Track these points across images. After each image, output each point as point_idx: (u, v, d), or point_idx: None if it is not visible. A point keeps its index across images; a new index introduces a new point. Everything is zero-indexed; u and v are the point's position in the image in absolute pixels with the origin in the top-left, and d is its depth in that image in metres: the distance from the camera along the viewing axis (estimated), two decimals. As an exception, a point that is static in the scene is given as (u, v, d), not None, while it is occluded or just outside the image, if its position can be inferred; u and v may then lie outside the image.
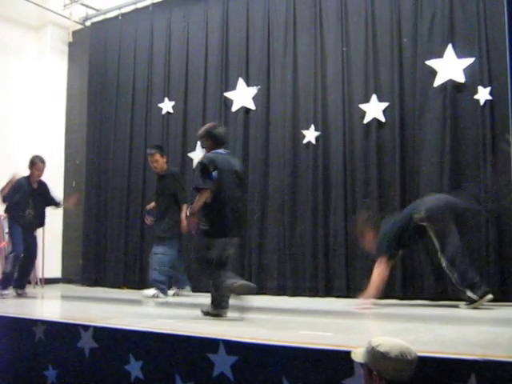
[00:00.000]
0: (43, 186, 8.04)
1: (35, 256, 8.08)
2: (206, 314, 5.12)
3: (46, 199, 7.99)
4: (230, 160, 5.53)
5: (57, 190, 10.11)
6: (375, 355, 2.74)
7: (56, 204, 8.15)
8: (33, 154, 8.20)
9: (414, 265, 6.80)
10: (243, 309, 4.92)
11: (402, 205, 6.88)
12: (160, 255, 7.39)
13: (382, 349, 2.73)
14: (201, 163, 5.31)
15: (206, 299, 5.51)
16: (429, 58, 6.91)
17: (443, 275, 6.21)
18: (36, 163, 7.91)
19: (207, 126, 5.69)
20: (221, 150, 5.47)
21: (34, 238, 7.99)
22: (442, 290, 6.53)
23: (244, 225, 5.60)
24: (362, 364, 2.87)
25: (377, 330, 4.43)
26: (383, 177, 7.12)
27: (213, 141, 5.47)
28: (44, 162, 7.99)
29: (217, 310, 5.07)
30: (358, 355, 2.89)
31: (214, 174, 5.19)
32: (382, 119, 7.15)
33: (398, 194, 6.95)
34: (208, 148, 5.50)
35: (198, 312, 5.14)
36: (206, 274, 5.41)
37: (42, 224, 8.09)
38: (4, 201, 7.78)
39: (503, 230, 6.26)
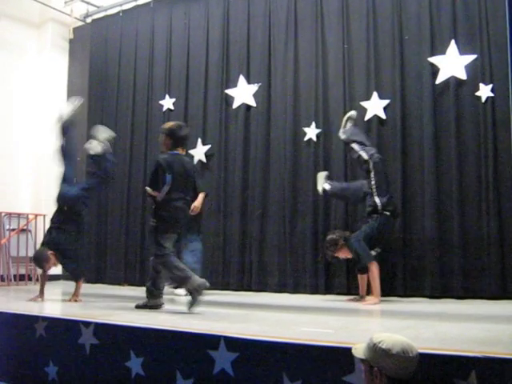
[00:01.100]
0: None
1: None
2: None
3: None
4: (184, 162, 5.70)
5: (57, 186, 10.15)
6: (377, 352, 2.74)
7: None
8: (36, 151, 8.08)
9: (414, 262, 6.80)
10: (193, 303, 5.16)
11: (403, 201, 6.89)
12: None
13: (383, 345, 2.73)
14: (157, 164, 5.54)
15: (211, 297, 5.54)
16: (431, 55, 6.90)
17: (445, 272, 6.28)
18: None
19: (172, 124, 5.83)
20: (177, 151, 5.64)
21: None
22: (442, 287, 6.55)
23: (184, 222, 5.77)
24: (362, 360, 2.86)
25: (378, 326, 4.43)
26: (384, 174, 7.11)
27: (173, 141, 5.63)
28: None
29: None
30: (359, 351, 2.88)
31: (168, 177, 5.43)
32: (383, 116, 7.15)
33: (400, 190, 6.95)
34: (166, 146, 5.64)
35: (199, 309, 5.14)
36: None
37: None
38: None
39: (504, 227, 6.26)
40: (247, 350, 3.54)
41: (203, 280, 5.27)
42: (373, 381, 2.80)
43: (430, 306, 5.97)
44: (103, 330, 4.35)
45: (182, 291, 7.08)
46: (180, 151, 5.73)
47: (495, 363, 2.88)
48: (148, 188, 5.62)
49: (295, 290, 7.47)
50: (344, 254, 6.44)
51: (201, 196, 7.07)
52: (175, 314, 5.24)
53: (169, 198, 5.48)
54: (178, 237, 5.74)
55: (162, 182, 5.47)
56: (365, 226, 6.38)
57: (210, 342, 3.68)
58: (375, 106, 7.20)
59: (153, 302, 5.57)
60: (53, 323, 4.75)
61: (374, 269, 6.10)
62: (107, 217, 9.60)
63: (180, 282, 5.45)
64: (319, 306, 6.14)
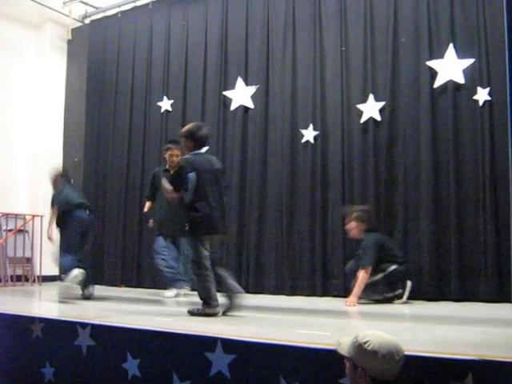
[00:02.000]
0: None
1: None
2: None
3: None
4: (210, 159, 5.49)
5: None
6: (363, 352, 2.68)
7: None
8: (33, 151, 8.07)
9: (411, 265, 6.80)
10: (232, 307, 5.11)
11: (398, 204, 6.90)
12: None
13: (369, 347, 2.66)
14: (179, 167, 5.36)
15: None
16: (429, 59, 6.92)
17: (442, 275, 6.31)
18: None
19: (191, 126, 5.57)
20: (200, 151, 5.41)
21: None
22: (439, 290, 6.56)
23: (224, 221, 5.47)
24: (346, 357, 2.81)
25: (375, 329, 4.41)
26: (381, 176, 7.13)
27: (194, 143, 5.40)
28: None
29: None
30: (344, 347, 2.82)
31: (192, 174, 5.18)
32: (378, 118, 7.15)
33: (396, 193, 6.97)
34: (188, 149, 5.44)
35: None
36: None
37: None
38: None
39: (501, 231, 6.26)
40: (244, 352, 3.54)
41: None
42: (356, 380, 2.75)
43: (427, 309, 5.98)
44: (100, 332, 4.34)
45: (171, 293, 7.11)
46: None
47: (491, 366, 2.88)
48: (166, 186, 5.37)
49: (292, 291, 7.48)
50: (355, 232, 6.56)
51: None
52: (172, 315, 5.24)
53: (197, 197, 5.22)
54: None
55: (185, 183, 5.22)
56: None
57: (206, 343, 3.68)
58: (371, 109, 7.20)
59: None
60: (49, 324, 4.74)
61: (365, 276, 6.17)
62: (104, 218, 9.58)
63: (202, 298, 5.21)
64: (316, 308, 6.15)
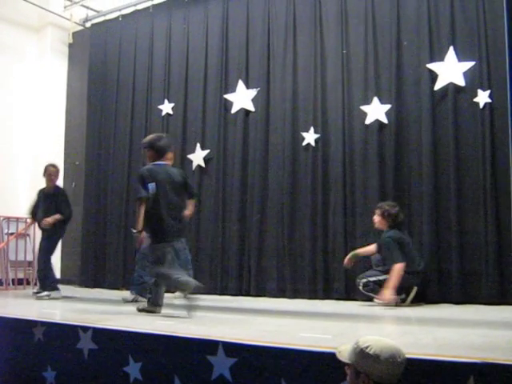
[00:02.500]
0: (56, 191, 7.89)
1: (39, 258, 7.90)
2: (141, 310, 5.55)
3: (57, 205, 7.76)
4: (170, 171, 5.80)
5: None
6: (364, 357, 2.66)
7: (60, 212, 7.69)
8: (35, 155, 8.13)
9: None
10: (191, 307, 5.20)
11: (401, 207, 6.90)
12: None
13: (371, 351, 2.65)
14: (138, 175, 5.69)
15: (206, 302, 5.53)
16: (430, 61, 6.92)
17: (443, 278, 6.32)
18: (47, 168, 7.97)
19: (151, 137, 5.93)
20: (161, 162, 5.73)
21: (43, 240, 7.85)
22: (441, 292, 6.57)
23: (183, 227, 5.92)
24: (347, 364, 2.78)
25: (376, 332, 4.42)
26: (382, 179, 7.13)
27: (155, 152, 5.73)
28: (55, 166, 8.05)
29: (153, 306, 5.51)
30: (344, 354, 2.80)
31: (151, 185, 5.49)
32: (385, 121, 7.14)
33: (397, 195, 6.96)
34: (150, 158, 5.77)
35: (198, 313, 5.15)
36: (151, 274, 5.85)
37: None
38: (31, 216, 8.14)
39: (502, 233, 6.26)
40: (246, 355, 3.54)
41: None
42: None
43: (429, 312, 5.97)
44: (101, 335, 4.34)
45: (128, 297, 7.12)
46: (169, 161, 5.96)
47: (493, 369, 2.87)
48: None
49: (294, 295, 7.48)
50: (380, 224, 6.57)
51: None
52: (174, 318, 5.24)
53: (156, 206, 5.54)
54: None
55: (147, 192, 5.53)
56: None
57: (208, 347, 3.68)
58: (376, 111, 7.19)
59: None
60: (51, 328, 4.74)
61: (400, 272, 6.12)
62: (106, 221, 9.59)
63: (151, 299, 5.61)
64: (318, 311, 6.14)
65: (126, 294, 7.35)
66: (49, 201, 7.77)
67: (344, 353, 2.81)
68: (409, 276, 6.16)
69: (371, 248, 6.73)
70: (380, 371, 2.64)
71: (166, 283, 5.60)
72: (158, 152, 5.74)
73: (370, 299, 6.39)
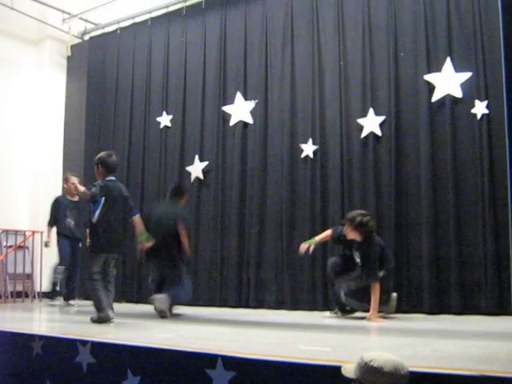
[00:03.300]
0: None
1: (76, 268, 8.53)
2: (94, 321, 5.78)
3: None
4: (120, 186, 6.15)
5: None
6: (368, 370, 2.71)
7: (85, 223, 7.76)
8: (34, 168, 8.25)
9: (411, 278, 6.81)
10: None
11: (399, 218, 6.91)
12: None
13: (375, 364, 2.70)
14: (90, 189, 5.89)
15: (209, 314, 5.52)
16: (427, 73, 6.95)
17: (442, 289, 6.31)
18: (70, 177, 8.35)
19: (101, 154, 6.23)
20: (111, 178, 6.05)
21: (77, 250, 8.49)
22: (440, 303, 6.56)
23: (123, 242, 6.29)
24: (353, 379, 2.82)
25: (375, 344, 4.42)
26: (380, 190, 7.15)
27: (105, 169, 6.03)
28: (75, 175, 8.42)
29: (100, 312, 5.75)
30: (349, 370, 2.84)
31: (100, 200, 5.86)
32: (379, 133, 7.18)
33: (395, 207, 6.97)
34: (99, 175, 6.04)
35: (198, 327, 5.14)
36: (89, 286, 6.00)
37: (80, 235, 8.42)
38: (50, 225, 8.56)
39: (501, 244, 6.26)
40: (245, 368, 3.52)
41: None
42: None
43: (428, 323, 5.96)
44: (100, 349, 4.32)
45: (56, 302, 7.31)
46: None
47: (492, 382, 2.87)
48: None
49: (293, 306, 7.47)
50: (355, 236, 6.20)
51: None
52: (172, 332, 5.23)
53: (104, 219, 5.88)
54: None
55: (94, 207, 5.90)
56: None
57: (207, 360, 3.66)
58: (371, 123, 7.23)
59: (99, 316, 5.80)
60: (50, 342, 4.72)
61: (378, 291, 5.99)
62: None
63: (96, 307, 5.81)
64: (317, 323, 6.12)
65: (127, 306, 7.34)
66: (77, 209, 8.36)
67: (349, 369, 2.86)
68: (386, 276, 6.14)
69: (327, 233, 6.69)
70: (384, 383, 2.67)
71: (95, 304, 5.81)
72: (107, 168, 6.04)
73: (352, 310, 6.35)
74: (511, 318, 5.89)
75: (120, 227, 6.10)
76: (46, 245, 8.61)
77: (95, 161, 6.15)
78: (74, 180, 8.26)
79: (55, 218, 8.49)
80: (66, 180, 8.48)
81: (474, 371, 2.95)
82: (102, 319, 5.71)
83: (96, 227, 5.91)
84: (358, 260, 6.21)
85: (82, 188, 6.12)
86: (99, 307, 5.76)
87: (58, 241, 8.42)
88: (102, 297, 5.79)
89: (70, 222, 8.44)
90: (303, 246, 6.60)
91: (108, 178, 6.03)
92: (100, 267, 5.89)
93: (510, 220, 3.23)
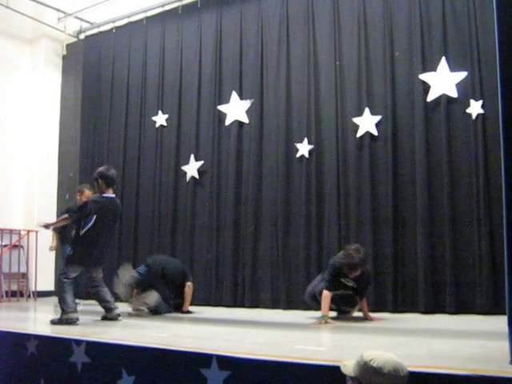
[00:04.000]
0: None
1: None
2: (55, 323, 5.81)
3: None
4: (114, 203, 6.24)
5: (50, 202, 10.14)
6: (368, 370, 2.72)
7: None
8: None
9: (406, 278, 6.81)
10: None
11: (394, 217, 6.91)
12: None
13: (375, 364, 2.71)
14: (85, 202, 6.11)
15: (204, 314, 5.50)
16: (422, 72, 6.95)
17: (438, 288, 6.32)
18: (83, 191, 8.05)
19: (100, 168, 6.33)
20: (109, 194, 6.15)
21: None
22: (435, 303, 6.56)
23: (103, 259, 6.37)
24: (352, 377, 2.84)
25: (370, 344, 4.42)
26: (376, 190, 7.15)
27: (105, 182, 6.14)
28: (89, 188, 8.07)
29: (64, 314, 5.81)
30: (348, 368, 2.86)
31: (93, 217, 5.96)
32: (375, 133, 7.18)
33: (391, 207, 6.98)
34: (99, 188, 6.16)
35: (193, 327, 5.13)
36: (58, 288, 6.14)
37: None
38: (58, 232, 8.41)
39: (496, 243, 6.27)
40: (239, 368, 3.52)
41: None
42: None
43: (423, 323, 5.97)
44: (95, 349, 4.32)
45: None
46: (111, 192, 6.21)
47: (487, 381, 2.87)
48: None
49: (288, 306, 7.47)
50: (358, 272, 5.95)
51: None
52: (167, 332, 5.22)
53: (91, 236, 6.00)
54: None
55: (85, 221, 6.00)
56: None
57: (202, 360, 3.66)
58: (367, 123, 7.23)
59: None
60: (44, 341, 4.72)
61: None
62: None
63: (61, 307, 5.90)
64: (310, 323, 6.11)
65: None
66: None
67: (348, 367, 2.87)
68: None
69: (326, 296, 5.92)
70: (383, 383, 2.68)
71: (61, 305, 5.87)
72: (107, 181, 6.13)
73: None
74: (506, 317, 5.88)
75: (104, 245, 6.25)
76: (51, 249, 8.56)
77: (94, 175, 6.25)
78: (87, 193, 8.03)
79: (64, 226, 8.31)
80: (80, 192, 8.14)
81: (469, 370, 2.96)
82: (65, 321, 5.75)
83: (81, 240, 6.02)
84: (350, 284, 6.10)
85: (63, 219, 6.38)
86: (64, 310, 5.81)
87: (62, 247, 8.25)
88: (68, 299, 5.85)
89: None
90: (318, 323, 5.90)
91: (106, 195, 6.13)
92: (76, 275, 6.04)
93: (505, 219, 3.23)
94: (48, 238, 8.62)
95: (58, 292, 6.02)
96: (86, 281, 6.32)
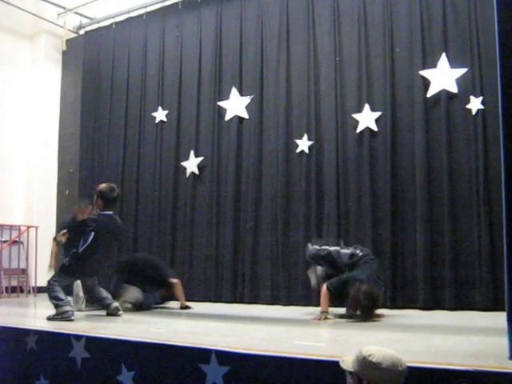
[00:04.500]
0: None
1: None
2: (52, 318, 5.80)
3: None
4: (114, 221, 6.22)
5: (50, 198, 10.14)
6: (367, 365, 2.73)
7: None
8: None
9: (405, 274, 6.82)
10: None
11: (393, 213, 6.91)
12: None
13: (374, 359, 2.72)
14: (84, 220, 6.03)
15: (200, 309, 5.49)
16: (422, 68, 6.95)
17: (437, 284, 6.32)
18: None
19: (104, 186, 6.29)
20: (108, 212, 6.14)
21: None
22: (434, 299, 6.57)
23: (97, 273, 6.38)
24: (351, 372, 2.85)
25: (369, 339, 4.42)
26: (376, 186, 7.15)
27: (104, 202, 6.10)
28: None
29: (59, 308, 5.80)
30: (347, 363, 2.87)
31: (91, 234, 5.93)
32: (375, 128, 7.18)
33: (390, 202, 6.98)
34: (98, 207, 6.12)
35: (192, 322, 5.14)
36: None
37: None
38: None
39: (495, 240, 6.27)
40: (239, 363, 3.53)
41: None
42: None
43: (422, 319, 5.97)
44: (94, 344, 4.33)
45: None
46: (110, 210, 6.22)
47: (486, 377, 2.88)
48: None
49: (288, 301, 7.47)
50: None
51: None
52: (167, 327, 5.22)
53: (89, 253, 5.98)
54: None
55: (83, 238, 5.98)
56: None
57: (201, 355, 3.67)
58: (367, 119, 7.23)
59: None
60: (44, 336, 4.73)
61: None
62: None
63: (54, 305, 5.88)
64: (309, 319, 6.11)
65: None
66: None
67: (347, 362, 2.88)
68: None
69: (324, 292, 5.94)
70: (381, 379, 2.71)
71: (54, 303, 5.86)
72: (106, 203, 6.12)
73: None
74: (505, 313, 5.88)
75: (102, 261, 6.23)
76: (51, 269, 8.23)
77: (96, 192, 6.21)
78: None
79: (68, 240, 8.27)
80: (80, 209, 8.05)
81: (468, 366, 2.97)
82: (60, 315, 5.74)
83: (79, 257, 6.00)
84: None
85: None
86: (58, 304, 5.80)
87: None
88: (60, 295, 5.85)
89: None
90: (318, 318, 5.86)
91: (104, 212, 6.11)
92: (67, 284, 6.21)
93: (504, 216, 3.23)
94: (47, 238, 8.60)
95: (48, 294, 5.99)
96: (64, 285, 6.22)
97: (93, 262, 6.08)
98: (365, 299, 5.53)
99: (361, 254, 6.14)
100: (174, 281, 7.16)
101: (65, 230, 6.36)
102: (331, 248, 6.26)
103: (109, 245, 6.27)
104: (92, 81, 10.21)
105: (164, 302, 7.20)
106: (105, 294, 6.29)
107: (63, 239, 6.40)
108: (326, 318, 5.72)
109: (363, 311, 5.65)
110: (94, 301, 6.47)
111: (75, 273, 6.15)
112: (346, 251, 6.20)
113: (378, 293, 5.66)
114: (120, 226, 6.43)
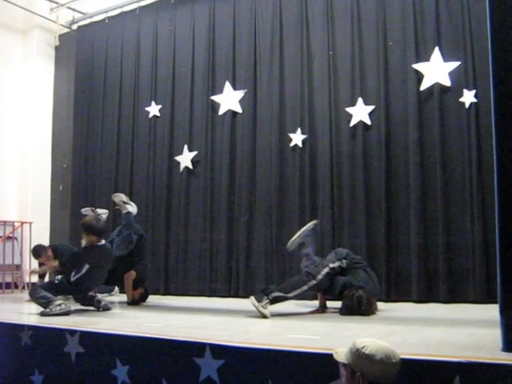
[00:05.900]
0: None
1: None
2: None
3: None
4: (106, 252, 6.27)
5: (44, 193, 10.12)
6: (360, 357, 2.73)
7: None
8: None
9: (399, 267, 6.84)
10: None
11: (387, 206, 6.93)
12: None
13: (367, 351, 2.72)
14: (77, 253, 6.45)
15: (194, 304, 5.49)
16: (415, 62, 6.96)
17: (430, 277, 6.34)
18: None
19: (88, 221, 6.42)
20: (100, 243, 6.17)
21: None
22: (428, 292, 6.59)
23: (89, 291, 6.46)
24: (344, 364, 2.85)
25: (363, 332, 4.43)
26: (369, 179, 7.17)
27: (96, 236, 6.13)
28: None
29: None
30: (341, 355, 2.87)
31: (84, 267, 5.99)
32: (368, 122, 7.19)
33: (384, 195, 6.99)
34: (90, 241, 6.15)
35: (187, 316, 5.14)
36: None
37: None
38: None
39: (489, 232, 6.29)
40: (233, 357, 3.54)
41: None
42: None
43: (416, 311, 6.00)
44: (89, 339, 4.33)
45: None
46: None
47: (479, 368, 2.89)
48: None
49: (282, 295, 7.47)
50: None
51: None
52: (161, 321, 5.23)
53: (81, 282, 6.06)
54: None
55: (76, 270, 6.02)
56: None
57: (195, 349, 3.68)
58: (360, 112, 7.24)
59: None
60: (38, 332, 4.73)
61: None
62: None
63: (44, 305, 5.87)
64: (305, 312, 6.13)
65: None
66: None
67: (341, 354, 2.88)
68: None
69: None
70: (374, 370, 2.71)
71: (42, 302, 5.85)
72: (98, 235, 6.15)
73: None
74: (498, 305, 5.91)
75: (94, 285, 6.47)
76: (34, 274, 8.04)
77: (84, 229, 6.25)
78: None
79: None
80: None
81: (462, 358, 2.98)
82: (54, 309, 5.74)
83: (71, 285, 6.05)
84: None
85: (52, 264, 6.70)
86: (48, 300, 5.80)
87: None
88: (46, 294, 5.86)
89: None
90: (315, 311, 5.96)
91: (98, 244, 6.14)
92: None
93: (497, 208, 3.25)
94: (42, 234, 8.58)
95: (33, 297, 6.04)
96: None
97: (85, 289, 6.26)
98: (359, 305, 5.50)
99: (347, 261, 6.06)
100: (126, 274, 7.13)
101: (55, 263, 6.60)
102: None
103: (102, 274, 6.35)
104: (85, 76, 10.19)
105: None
106: (91, 294, 6.41)
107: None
108: (323, 312, 5.81)
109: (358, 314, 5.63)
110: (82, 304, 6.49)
111: (63, 292, 6.25)
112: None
113: (373, 299, 5.66)
114: (112, 256, 6.52)
